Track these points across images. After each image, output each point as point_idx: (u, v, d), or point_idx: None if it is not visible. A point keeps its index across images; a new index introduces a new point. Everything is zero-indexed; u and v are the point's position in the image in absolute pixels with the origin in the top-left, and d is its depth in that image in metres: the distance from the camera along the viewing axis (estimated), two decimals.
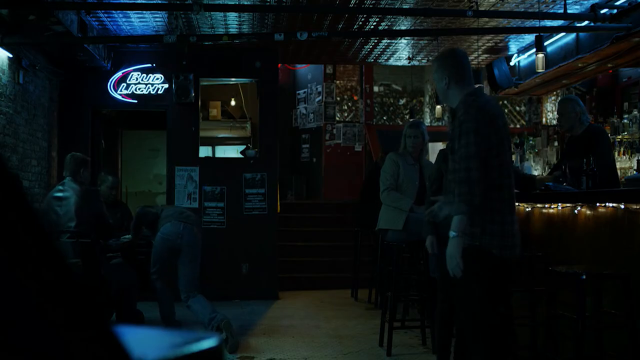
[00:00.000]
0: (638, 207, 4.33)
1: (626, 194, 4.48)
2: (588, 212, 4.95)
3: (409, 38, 9.44)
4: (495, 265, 3.84)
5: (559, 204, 5.29)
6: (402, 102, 15.70)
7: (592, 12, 7.54)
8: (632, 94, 10.73)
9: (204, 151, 11.86)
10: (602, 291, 4.33)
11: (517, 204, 6.05)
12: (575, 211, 5.07)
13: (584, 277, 3.98)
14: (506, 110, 14.91)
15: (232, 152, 12.93)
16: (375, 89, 15.20)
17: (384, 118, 15.48)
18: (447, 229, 3.88)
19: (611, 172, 6.01)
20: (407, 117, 15.29)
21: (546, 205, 5.57)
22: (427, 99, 15.79)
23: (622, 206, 4.47)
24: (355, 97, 14.63)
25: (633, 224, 4.41)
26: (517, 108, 14.67)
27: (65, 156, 9.53)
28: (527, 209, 5.92)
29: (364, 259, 9.77)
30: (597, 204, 4.78)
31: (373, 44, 9.98)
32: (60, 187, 6.48)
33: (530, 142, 11.76)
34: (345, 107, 14.62)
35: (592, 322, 4.26)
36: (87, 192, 6.43)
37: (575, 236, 5.10)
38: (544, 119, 13.23)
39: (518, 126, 14.61)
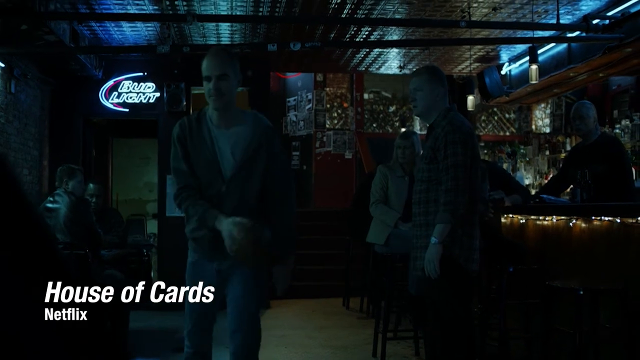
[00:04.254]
0: (634, 220, 4.35)
1: (622, 209, 4.49)
2: (583, 225, 4.97)
3: (400, 47, 9.46)
4: (460, 275, 3.99)
5: (554, 217, 5.30)
6: (392, 109, 15.71)
7: (584, 23, 7.57)
8: (622, 102, 10.79)
9: None
10: (599, 305, 4.34)
11: (511, 215, 6.11)
12: (570, 224, 5.08)
13: (582, 292, 3.99)
14: (495, 118, 14.97)
15: None
16: (365, 96, 15.20)
17: (374, 125, 15.47)
18: (419, 250, 4.05)
19: (631, 186, 5.97)
20: (397, 124, 15.30)
21: (540, 217, 5.58)
22: None
23: (618, 220, 4.49)
24: (346, 105, 14.64)
25: (629, 238, 4.43)
26: (507, 115, 14.72)
27: (57, 165, 9.55)
28: (521, 221, 5.93)
29: (355, 267, 9.76)
30: (592, 217, 4.80)
31: (364, 53, 9.99)
32: (52, 199, 6.44)
33: (522, 150, 11.78)
34: (335, 114, 14.62)
35: (589, 337, 4.27)
36: (77, 203, 6.38)
37: (570, 249, 5.11)
38: (533, 126, 13.28)
39: (508, 134, 14.67)
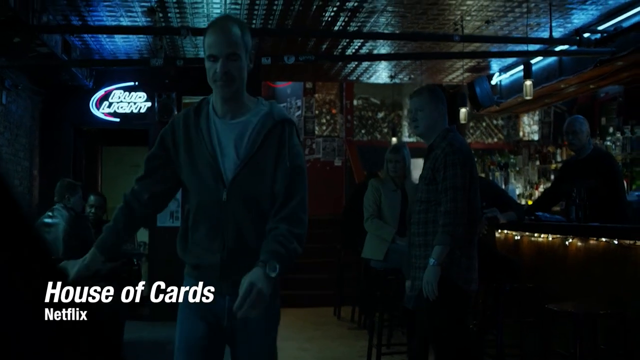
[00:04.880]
0: (632, 242, 4.38)
1: (620, 231, 4.52)
2: (579, 243, 5.00)
3: (393, 60, 9.48)
4: (458, 297, 4.02)
5: (550, 235, 5.33)
6: (380, 115, 15.72)
7: (577, 37, 7.62)
8: (610, 109, 10.85)
9: None
10: (598, 328, 4.36)
11: (506, 231, 6.14)
12: (566, 242, 5.11)
13: (581, 316, 4.02)
14: (484, 124, 15.02)
15: None
16: (354, 102, 15.22)
17: (362, 131, 15.49)
18: (417, 270, 4.07)
19: (624, 200, 6.01)
20: (386, 130, 15.31)
21: (535, 235, 5.61)
22: (405, 112, 15.83)
23: (616, 241, 4.52)
24: (334, 111, 14.65)
25: (626, 259, 4.46)
26: (495, 122, 14.77)
27: (47, 175, 9.50)
28: (516, 237, 5.96)
29: (346, 275, 9.76)
30: (589, 237, 4.83)
31: (355, 63, 10.01)
32: (50, 213, 6.39)
33: (512, 160, 11.84)
34: (324, 121, 14.62)
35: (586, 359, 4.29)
36: (75, 219, 6.36)
37: (566, 267, 5.14)
38: (521, 132, 13.35)
39: (496, 140, 14.72)
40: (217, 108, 2.76)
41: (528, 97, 7.34)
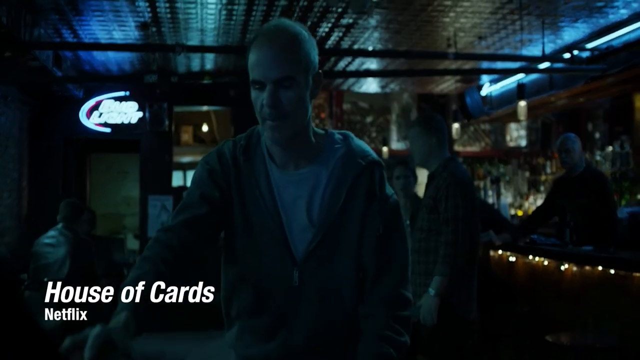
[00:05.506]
0: (627, 272, 4.41)
1: (617, 261, 4.55)
2: (575, 269, 5.03)
3: (386, 77, 9.51)
4: (458, 325, 4.04)
5: (545, 259, 5.36)
6: (369, 119, 15.72)
7: (568, 53, 7.67)
8: (596, 116, 10.88)
9: (176, 176, 11.74)
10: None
11: (500, 252, 6.18)
12: (562, 268, 5.14)
13: (580, 349, 4.05)
14: (472, 129, 15.05)
15: None
16: (343, 106, 15.19)
17: None
18: (417, 298, 3.94)
19: (616, 219, 6.05)
20: (375, 135, 15.30)
21: (529, 257, 5.64)
22: (394, 117, 15.85)
23: (612, 271, 4.56)
24: (323, 115, 14.62)
25: (623, 289, 4.49)
26: (482, 126, 14.80)
27: (36, 186, 9.43)
28: (510, 258, 5.99)
29: None
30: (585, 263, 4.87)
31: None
32: (53, 233, 6.25)
33: (501, 170, 11.87)
34: (313, 124, 14.58)
35: None
36: (79, 242, 6.27)
37: (561, 293, 5.17)
38: (508, 137, 13.38)
39: (483, 144, 14.75)
40: (274, 154, 1.97)
41: (522, 118, 7.34)
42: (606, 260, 4.64)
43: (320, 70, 1.96)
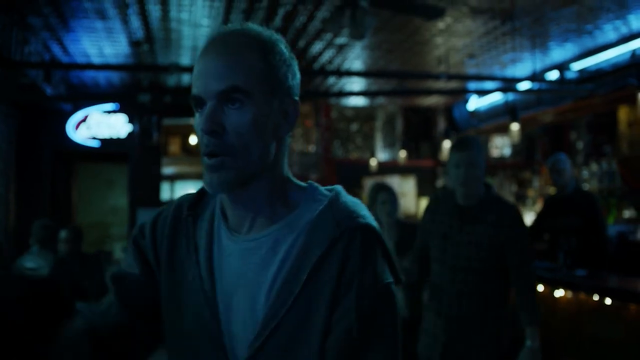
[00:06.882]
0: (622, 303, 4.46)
1: (613, 291, 4.61)
2: (570, 296, 5.08)
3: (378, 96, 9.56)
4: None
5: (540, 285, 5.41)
6: (354, 127, 15.75)
7: (558, 73, 7.76)
8: (579, 125, 10.96)
9: (164, 188, 11.70)
10: None
11: None
12: (556, 295, 5.19)
13: None
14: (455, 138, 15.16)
15: (192, 188, 12.78)
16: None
17: (336, 143, 15.49)
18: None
19: (606, 238, 6.11)
20: (360, 142, 15.34)
21: None
22: (380, 124, 15.90)
23: (609, 301, 4.61)
24: (308, 124, 14.63)
25: (620, 318, 4.53)
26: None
27: (23, 200, 9.34)
28: None
29: None
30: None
31: (334, 85, 10.05)
32: (31, 257, 6.17)
33: (490, 182, 11.93)
34: (300, 131, 14.59)
35: None
36: (61, 262, 6.20)
37: (557, 319, 5.22)
38: (492, 145, 13.45)
39: None
40: (227, 210, 1.41)
41: (515, 140, 7.38)
42: (604, 290, 4.69)
43: (297, 98, 1.40)
